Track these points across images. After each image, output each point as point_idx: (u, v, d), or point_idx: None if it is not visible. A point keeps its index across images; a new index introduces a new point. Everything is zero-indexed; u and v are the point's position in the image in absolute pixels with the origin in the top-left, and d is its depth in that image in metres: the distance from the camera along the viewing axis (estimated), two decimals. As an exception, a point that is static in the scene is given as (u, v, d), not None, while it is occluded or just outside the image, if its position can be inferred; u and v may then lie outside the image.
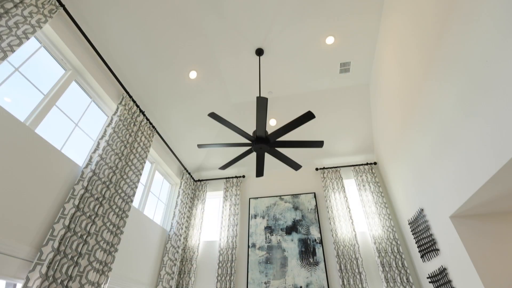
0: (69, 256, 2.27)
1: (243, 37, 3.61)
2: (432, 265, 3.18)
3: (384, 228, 3.94)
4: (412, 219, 3.53)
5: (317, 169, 4.82)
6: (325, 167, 4.85)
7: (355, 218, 4.41)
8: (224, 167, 3.16)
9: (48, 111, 2.52)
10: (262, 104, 2.28)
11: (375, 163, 4.68)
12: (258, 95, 2.53)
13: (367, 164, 4.64)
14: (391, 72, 3.51)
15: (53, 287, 2.10)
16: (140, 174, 3.39)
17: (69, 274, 2.27)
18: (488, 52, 1.87)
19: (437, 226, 2.95)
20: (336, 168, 4.72)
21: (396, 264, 3.62)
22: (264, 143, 2.67)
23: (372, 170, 4.55)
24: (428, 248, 3.19)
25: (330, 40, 3.70)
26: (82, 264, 2.39)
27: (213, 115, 2.50)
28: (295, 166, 3.18)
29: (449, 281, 2.81)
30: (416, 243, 3.47)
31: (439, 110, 2.59)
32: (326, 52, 3.86)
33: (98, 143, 2.86)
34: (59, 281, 2.15)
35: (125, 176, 3.12)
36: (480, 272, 2.37)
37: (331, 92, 4.38)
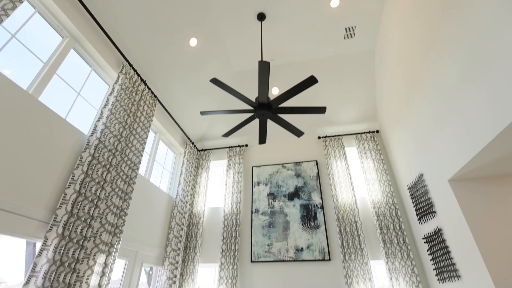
0: (82, 219, 2.40)
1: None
2: (428, 227, 3.32)
3: (383, 193, 4.05)
4: (411, 184, 3.62)
5: (319, 137, 4.85)
6: (327, 135, 4.88)
7: (356, 184, 4.52)
8: (227, 134, 3.20)
9: (49, 79, 2.51)
10: (264, 68, 2.25)
11: (377, 131, 4.69)
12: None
13: (369, 132, 4.65)
14: (397, 39, 3.40)
15: (69, 246, 2.24)
16: (145, 143, 3.45)
17: (84, 235, 2.41)
18: (490, 27, 1.93)
19: (435, 189, 3.04)
20: (338, 137, 4.75)
21: (393, 227, 3.78)
22: (266, 109, 2.67)
23: (374, 138, 4.58)
24: (425, 211, 3.30)
25: (335, 3, 3.54)
26: (95, 226, 2.53)
27: (215, 81, 2.49)
28: (298, 133, 3.20)
29: (443, 240, 2.95)
30: (414, 207, 3.60)
31: (441, 79, 2.64)
32: (331, 16, 3.70)
33: (102, 112, 2.88)
34: (75, 240, 2.29)
35: (130, 145, 3.18)
36: (473, 231, 2.48)
37: (335, 59, 4.27)
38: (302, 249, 3.92)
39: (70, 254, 2.23)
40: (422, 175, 3.31)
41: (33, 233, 2.13)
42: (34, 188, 2.18)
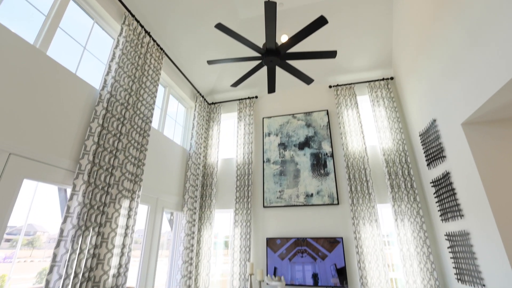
0: (104, 168, 2.58)
1: None
2: (436, 171, 3.37)
3: (394, 141, 4.05)
4: (423, 131, 3.58)
5: (330, 86, 4.73)
6: (339, 84, 4.74)
7: (366, 133, 4.51)
8: (236, 84, 3.17)
9: (53, 33, 2.49)
10: (270, 10, 2.13)
11: (391, 78, 4.50)
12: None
13: (383, 79, 4.48)
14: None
15: (96, 192, 2.46)
16: (155, 96, 3.49)
17: (107, 182, 2.62)
18: None
19: (447, 134, 3.01)
20: (350, 85, 4.61)
21: (402, 172, 3.85)
22: (274, 56, 2.59)
23: (388, 86, 4.42)
24: (435, 156, 3.32)
25: None
26: (116, 175, 2.73)
27: (219, 26, 2.39)
28: (307, 80, 3.13)
29: (451, 183, 3.01)
30: (424, 153, 3.61)
31: (457, 26, 2.49)
32: None
33: (109, 66, 2.88)
34: (100, 187, 2.50)
35: (140, 98, 3.23)
36: (481, 173, 2.51)
37: (349, 1, 3.93)
38: (311, 195, 4.12)
39: (97, 198, 2.46)
40: (435, 120, 3.26)
41: (62, 180, 2.34)
42: (59, 141, 2.32)
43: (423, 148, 3.63)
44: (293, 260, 3.74)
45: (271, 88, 3.23)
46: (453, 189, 2.99)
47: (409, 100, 4.02)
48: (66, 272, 2.11)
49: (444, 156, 3.12)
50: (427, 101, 3.43)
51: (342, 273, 3.56)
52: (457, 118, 2.78)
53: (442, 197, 3.25)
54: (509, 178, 2.43)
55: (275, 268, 3.78)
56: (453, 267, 3.11)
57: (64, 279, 2.09)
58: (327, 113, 4.56)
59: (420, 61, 3.46)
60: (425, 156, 3.59)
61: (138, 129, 3.12)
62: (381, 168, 4.10)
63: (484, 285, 2.56)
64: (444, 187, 3.18)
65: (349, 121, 4.36)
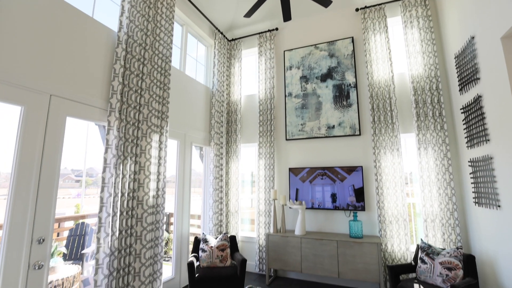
0: (132, 106, 2.86)
1: None
2: (468, 96, 3.14)
3: (426, 66, 3.73)
4: (460, 52, 3.23)
5: (357, 9, 4.27)
6: (367, 5, 4.25)
7: (395, 60, 4.17)
8: (249, 13, 3.05)
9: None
10: None
11: (431, -9, 3.90)
12: None
13: (420, -7, 3.90)
14: None
15: (128, 127, 2.79)
16: (172, 35, 3.53)
17: (137, 118, 2.93)
18: None
19: (484, 51, 2.71)
20: (380, 6, 4.12)
21: (431, 100, 3.64)
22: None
23: (425, 2, 3.87)
24: (468, 79, 3.05)
25: None
26: (144, 112, 3.01)
27: None
28: (325, 2, 2.89)
29: (481, 107, 2.83)
30: (457, 76, 3.32)
31: None
32: None
33: (122, 6, 2.93)
34: (131, 123, 2.82)
35: (157, 38, 3.30)
36: (513, 93, 2.31)
37: None
38: (333, 127, 4.15)
39: (130, 133, 2.80)
40: (473, 38, 2.90)
41: (99, 118, 2.68)
42: (89, 82, 2.59)
43: (457, 72, 3.33)
44: (313, 182, 4.02)
45: (287, 15, 3.06)
46: (482, 113, 2.81)
47: (447, 16, 3.54)
48: (114, 191, 2.59)
49: (478, 78, 2.86)
50: (466, 14, 3.01)
51: (359, 193, 3.78)
52: (496, 32, 2.46)
53: (471, 123, 3.09)
54: (544, 97, 2.22)
55: (296, 191, 4.12)
56: (472, 192, 3.13)
57: (114, 197, 2.58)
58: (352, 41, 4.23)
59: (463, -35, 2.93)
60: (458, 81, 3.31)
61: (159, 69, 3.28)
62: (408, 96, 3.89)
63: (499, 206, 2.59)
64: (474, 112, 2.99)
65: (376, 48, 4.03)
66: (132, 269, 2.73)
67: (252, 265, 4.41)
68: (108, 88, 2.78)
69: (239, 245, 4.55)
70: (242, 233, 4.71)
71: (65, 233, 4.38)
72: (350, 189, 3.81)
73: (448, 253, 2.84)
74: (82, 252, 4.02)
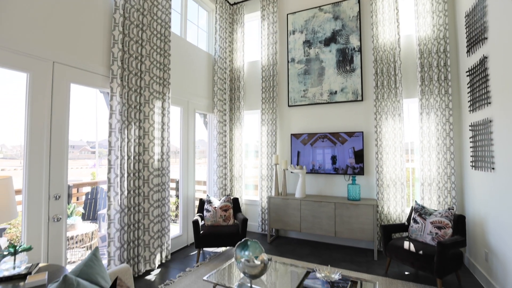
0: (133, 72, 2.93)
1: None
2: (475, 57, 3.03)
3: (435, 27, 3.56)
4: (471, 9, 3.06)
5: (366, -35, 4.01)
6: (377, -40, 3.97)
7: (402, 21, 3.98)
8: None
9: None
10: None
11: None
12: None
13: None
14: None
15: (130, 93, 2.89)
16: (170, 0, 3.47)
17: (139, 85, 3.01)
18: None
19: (494, 8, 2.57)
20: (390, -41, 3.84)
21: (437, 63, 3.52)
22: None
23: (439, -47, 3.58)
24: (476, 39, 2.93)
25: None
26: (146, 79, 3.09)
27: None
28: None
29: (486, 69, 2.74)
30: (466, 37, 3.18)
31: None
32: None
33: (118, -32, 2.88)
34: (133, 89, 2.91)
35: (155, 3, 3.26)
36: (517, 52, 2.23)
37: None
38: (335, 92, 4.12)
39: (133, 99, 2.91)
40: (484, -7, 2.73)
41: (102, 84, 2.78)
42: (89, 49, 2.66)
43: (466, 32, 3.18)
44: (314, 145, 4.12)
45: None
46: (486, 75, 2.74)
47: (461, -29, 3.30)
48: (121, 154, 2.76)
49: (486, 38, 2.75)
50: (479, -32, 2.80)
51: (359, 155, 3.86)
52: (506, -13, 2.31)
53: (475, 86, 3.02)
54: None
55: (298, 153, 4.23)
56: (471, 156, 3.15)
57: (120, 160, 2.76)
58: (358, 1, 4.03)
59: None
60: (467, 42, 3.18)
61: (158, 35, 3.29)
62: (414, 60, 3.78)
63: (493, 168, 2.63)
64: (479, 75, 2.91)
65: (383, 8, 3.85)
66: (141, 225, 3.00)
67: (256, 226, 4.69)
68: (108, 55, 2.84)
69: (244, 208, 4.80)
70: (246, 196, 4.95)
71: (83, 198, 4.75)
72: (350, 151, 3.89)
73: (439, 213, 2.95)
74: (98, 212, 4.37)
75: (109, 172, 2.72)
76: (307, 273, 2.26)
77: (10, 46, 2.06)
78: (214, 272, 2.33)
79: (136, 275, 2.95)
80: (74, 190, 4.67)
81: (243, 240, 2.24)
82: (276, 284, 2.15)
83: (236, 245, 2.22)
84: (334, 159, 3.98)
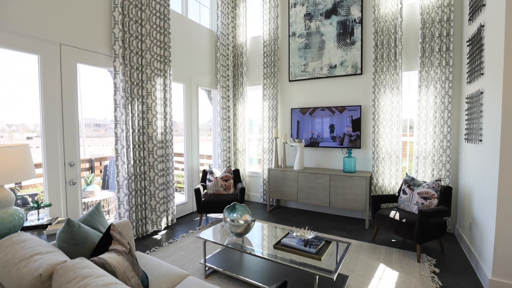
0: (135, 51, 3.14)
1: None
2: (474, 26, 2.93)
3: (440, -6, 3.41)
4: (473, -26, 2.91)
5: None
6: None
7: (407, -13, 3.81)
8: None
9: None
10: None
11: None
12: None
13: None
14: None
15: (132, 71, 3.13)
16: (168, -23, 3.56)
17: (141, 63, 3.23)
18: None
19: (488, -26, 2.45)
20: None
21: (440, 33, 3.41)
22: None
23: None
24: (477, 5, 2.81)
25: None
26: (147, 57, 3.30)
27: None
28: None
29: (482, 38, 2.67)
30: (469, 3, 3.05)
31: None
32: None
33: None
34: (135, 67, 3.14)
35: (154, -19, 3.38)
36: (508, 23, 2.17)
37: None
38: (335, 66, 4.12)
39: (135, 76, 3.14)
40: (485, -44, 2.59)
41: (105, 63, 3.03)
42: (92, 31, 2.88)
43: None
44: (313, 114, 4.22)
45: None
46: (482, 45, 2.67)
47: None
48: (126, 127, 3.06)
49: (484, 5, 2.64)
50: None
51: (356, 123, 3.92)
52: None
53: (473, 57, 2.94)
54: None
55: (298, 123, 4.35)
56: (465, 129, 3.13)
57: (126, 132, 3.06)
58: (361, -32, 3.88)
59: None
60: (469, 9, 3.04)
61: (158, 14, 3.43)
62: (415, 31, 3.66)
63: (481, 140, 2.64)
64: (476, 44, 2.83)
65: (386, -25, 3.70)
66: (148, 191, 3.35)
67: (258, 196, 4.98)
68: (110, 36, 3.06)
69: (247, 179, 5.08)
70: (250, 169, 5.21)
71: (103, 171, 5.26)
72: (348, 120, 3.95)
73: (427, 184, 3.03)
74: (114, 182, 4.84)
75: (116, 143, 3.04)
76: (288, 233, 2.50)
77: (21, 30, 2.32)
78: (206, 231, 2.63)
79: (145, 234, 3.37)
80: (96, 163, 5.20)
81: (231, 203, 2.51)
82: (260, 241, 2.42)
83: (225, 208, 2.49)
84: (332, 128, 4.08)
